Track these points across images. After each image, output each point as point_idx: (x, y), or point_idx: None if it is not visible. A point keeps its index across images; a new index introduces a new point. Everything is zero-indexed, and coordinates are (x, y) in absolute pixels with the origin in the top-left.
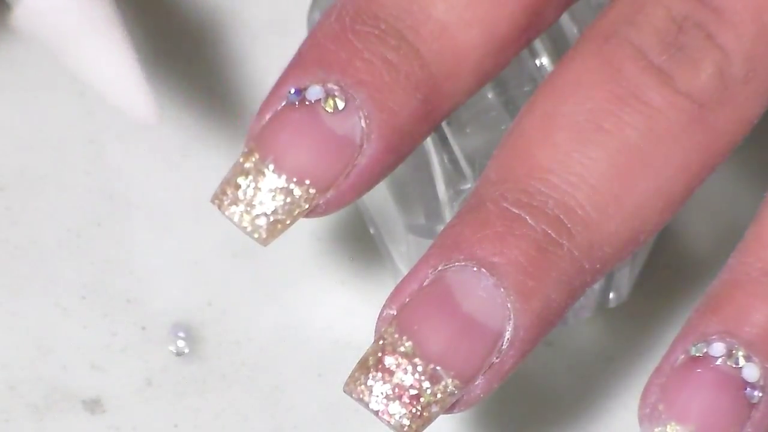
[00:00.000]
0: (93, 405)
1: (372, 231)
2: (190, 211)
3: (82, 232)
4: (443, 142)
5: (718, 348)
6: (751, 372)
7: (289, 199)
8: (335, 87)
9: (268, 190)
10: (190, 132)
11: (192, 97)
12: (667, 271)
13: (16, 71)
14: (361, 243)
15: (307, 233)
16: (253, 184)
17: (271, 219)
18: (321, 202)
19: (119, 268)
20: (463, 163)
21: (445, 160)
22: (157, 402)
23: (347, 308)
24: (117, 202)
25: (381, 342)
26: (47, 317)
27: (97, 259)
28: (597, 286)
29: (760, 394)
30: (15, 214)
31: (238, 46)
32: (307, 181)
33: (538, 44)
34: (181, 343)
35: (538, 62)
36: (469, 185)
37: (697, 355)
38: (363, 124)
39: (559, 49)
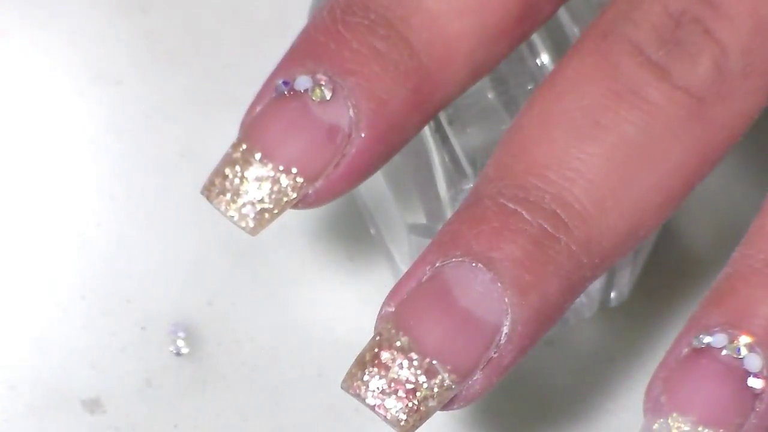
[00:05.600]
0: (93, 405)
1: (372, 231)
2: (190, 211)
3: (82, 232)
4: (444, 142)
5: (719, 339)
6: (753, 362)
7: (275, 188)
8: (324, 77)
9: (254, 178)
10: (190, 132)
11: (192, 97)
12: (667, 271)
13: (16, 71)
14: (361, 243)
15: (307, 233)
16: (239, 174)
17: (258, 208)
18: (310, 191)
19: (119, 268)
20: (464, 163)
21: (447, 160)
22: (157, 402)
23: (347, 308)
24: (117, 202)
25: (378, 338)
26: (47, 317)
27: (97, 259)
28: (598, 286)
29: (763, 385)
30: (15, 214)
31: (238, 46)
32: (294, 170)
33: (538, 43)
34: (181, 343)
35: (539, 61)
36: (470, 185)
37: (699, 347)
38: (351, 113)
39: (560, 49)
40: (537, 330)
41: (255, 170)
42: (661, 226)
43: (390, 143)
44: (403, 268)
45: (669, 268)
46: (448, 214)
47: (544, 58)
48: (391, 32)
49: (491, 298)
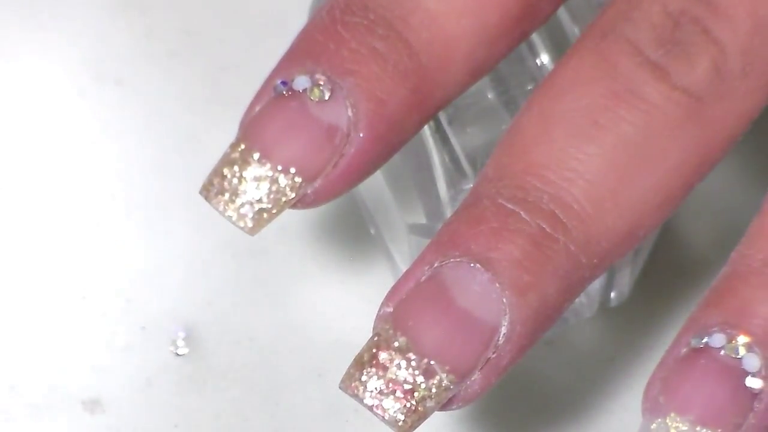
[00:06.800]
0: (93, 405)
1: (372, 231)
2: (190, 211)
3: (82, 232)
4: (444, 142)
5: (718, 339)
6: (751, 362)
7: (274, 188)
8: (322, 77)
9: (253, 178)
10: (190, 132)
11: (192, 97)
12: (667, 271)
13: (17, 71)
14: (361, 243)
15: (307, 233)
16: (238, 174)
17: (256, 208)
18: (309, 191)
19: (119, 268)
20: (464, 163)
21: (446, 160)
22: (157, 402)
23: (347, 308)
24: (117, 202)
25: (376, 338)
26: (47, 317)
27: (97, 259)
28: (598, 286)
29: (762, 385)
30: (15, 214)
31: (238, 46)
32: (292, 170)
33: (538, 43)
34: (181, 343)
35: (538, 61)
36: (470, 185)
37: (698, 347)
38: (350, 113)
39: (560, 49)
40: (535, 330)
41: (253, 170)
42: (661, 226)
43: (389, 143)
44: (403, 268)
45: (669, 268)
46: (448, 214)
47: (544, 58)
48: (390, 32)
49: (490, 299)
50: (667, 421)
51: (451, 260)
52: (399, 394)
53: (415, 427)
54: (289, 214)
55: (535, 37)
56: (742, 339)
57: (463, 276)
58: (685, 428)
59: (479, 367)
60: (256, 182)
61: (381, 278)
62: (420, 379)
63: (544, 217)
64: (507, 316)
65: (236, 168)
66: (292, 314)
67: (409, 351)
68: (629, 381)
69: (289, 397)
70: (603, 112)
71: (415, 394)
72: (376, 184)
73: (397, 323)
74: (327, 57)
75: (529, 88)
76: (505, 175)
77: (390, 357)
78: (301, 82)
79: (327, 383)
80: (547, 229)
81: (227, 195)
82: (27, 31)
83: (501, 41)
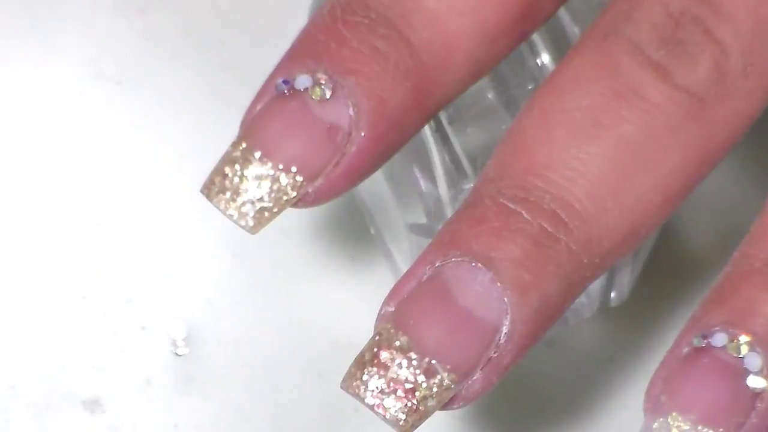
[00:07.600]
0: (93, 405)
1: (372, 231)
2: (190, 211)
3: (82, 232)
4: (445, 141)
5: (719, 338)
6: (753, 361)
7: (275, 187)
8: (323, 76)
9: (254, 177)
10: (190, 132)
11: (192, 97)
12: (667, 271)
13: (17, 71)
14: (361, 243)
15: (308, 233)
16: (239, 172)
17: (258, 207)
18: (310, 190)
19: (119, 268)
20: (464, 162)
21: (447, 160)
22: (157, 402)
23: (347, 308)
24: (117, 202)
25: (377, 338)
26: (47, 317)
27: (97, 259)
28: (598, 286)
29: (764, 384)
30: (15, 214)
31: (238, 47)
32: (294, 169)
33: (539, 43)
34: (181, 343)
35: (539, 61)
36: (470, 184)
37: (700, 346)
38: (351, 112)
39: (561, 49)
40: (537, 329)
41: (254, 169)
42: (661, 226)
43: (390, 142)
44: (404, 268)
45: (669, 268)
46: (449, 213)
47: (545, 58)
48: (391, 31)
49: (491, 298)
50: (669, 420)
51: (453, 260)
52: (400, 393)
53: (416, 427)
54: (289, 213)
55: (536, 37)
56: (744, 338)
57: (464, 275)
58: (686, 427)
59: (480, 367)
60: (258, 181)
61: (381, 278)
62: (421, 378)
63: (545, 217)
64: (508, 316)
65: (237, 167)
66: (292, 314)
67: (410, 350)
68: (629, 381)
69: (289, 397)
70: (604, 111)
71: (417, 393)
72: (376, 184)
73: (398, 323)
74: (328, 56)
75: (529, 88)
76: (506, 174)
77: (391, 356)
78: (302, 81)
79: (327, 383)
80: (549, 229)
81: (228, 194)
82: (27, 32)
83: (501, 41)
